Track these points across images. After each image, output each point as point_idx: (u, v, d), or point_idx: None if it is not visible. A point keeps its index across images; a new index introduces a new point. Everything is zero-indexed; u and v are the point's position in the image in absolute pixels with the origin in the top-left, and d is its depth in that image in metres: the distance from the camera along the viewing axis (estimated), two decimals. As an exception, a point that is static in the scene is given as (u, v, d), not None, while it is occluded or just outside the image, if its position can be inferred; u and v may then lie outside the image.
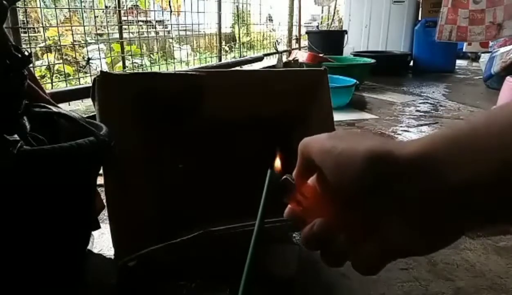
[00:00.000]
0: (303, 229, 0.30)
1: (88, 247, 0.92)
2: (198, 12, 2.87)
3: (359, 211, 0.27)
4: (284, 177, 0.30)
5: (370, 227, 0.27)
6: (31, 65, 0.84)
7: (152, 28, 3.31)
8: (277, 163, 0.32)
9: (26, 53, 0.73)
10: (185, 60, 3.07)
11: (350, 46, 4.76)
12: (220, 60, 3.27)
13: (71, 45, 2.43)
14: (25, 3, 2.65)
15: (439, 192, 0.24)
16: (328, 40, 4.54)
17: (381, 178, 0.25)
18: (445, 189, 0.23)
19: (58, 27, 2.42)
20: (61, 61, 2.30)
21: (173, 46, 3.27)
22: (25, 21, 2.23)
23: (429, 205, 0.24)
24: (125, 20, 2.62)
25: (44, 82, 2.18)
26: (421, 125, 2.32)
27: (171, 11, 3.16)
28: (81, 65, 2.76)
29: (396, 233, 0.26)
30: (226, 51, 3.92)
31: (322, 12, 6.00)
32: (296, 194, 0.30)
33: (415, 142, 0.25)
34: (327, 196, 0.29)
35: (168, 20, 3.44)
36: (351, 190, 0.26)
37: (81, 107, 2.03)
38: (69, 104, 1.88)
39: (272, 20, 5.18)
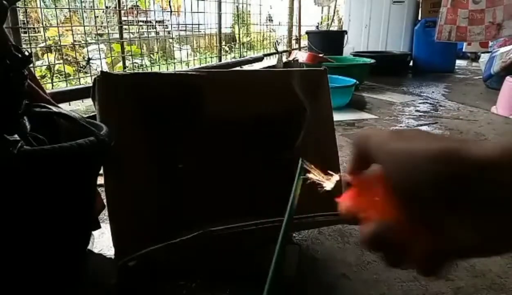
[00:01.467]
0: (360, 227, 0.29)
1: (88, 247, 0.92)
2: (198, 12, 2.87)
3: (425, 211, 0.26)
4: (340, 176, 0.30)
5: (436, 227, 0.26)
6: (31, 65, 0.84)
7: (152, 28, 3.31)
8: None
9: (26, 53, 0.73)
10: (185, 60, 3.07)
11: (350, 46, 4.77)
12: (220, 60, 3.27)
13: (71, 45, 2.42)
14: (25, 3, 2.65)
15: None
16: (328, 40, 4.55)
17: (454, 182, 0.24)
18: None
19: (58, 27, 2.42)
20: (61, 61, 2.30)
21: (173, 46, 3.27)
22: (25, 21, 2.23)
23: (503, 209, 0.23)
24: (125, 20, 2.62)
25: (45, 82, 2.18)
26: (421, 125, 2.33)
27: (171, 11, 3.16)
28: (81, 65, 2.76)
29: (463, 232, 0.24)
30: (226, 51, 3.92)
31: (322, 12, 6.00)
32: (349, 190, 0.29)
33: (489, 146, 0.24)
34: (389, 195, 0.27)
35: (168, 20, 3.45)
36: (419, 192, 0.25)
37: (81, 107, 2.03)
38: (69, 104, 1.88)
39: (272, 20, 5.18)
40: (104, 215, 1.05)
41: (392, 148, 0.26)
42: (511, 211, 0.23)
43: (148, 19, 3.50)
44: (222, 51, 3.34)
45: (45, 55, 2.73)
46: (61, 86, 2.21)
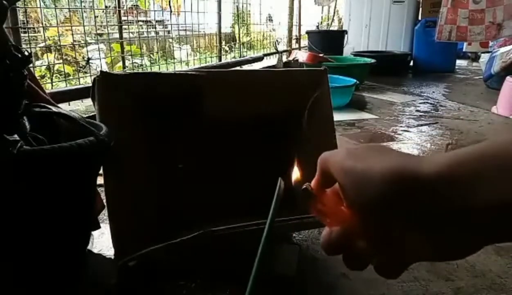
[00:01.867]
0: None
1: (88, 247, 0.92)
2: (198, 12, 2.87)
3: (378, 225, 0.28)
4: (304, 186, 0.31)
5: (388, 238, 0.27)
6: (31, 65, 0.84)
7: (152, 28, 3.31)
8: (296, 173, 0.33)
9: (26, 53, 0.73)
10: (185, 60, 3.07)
11: (350, 46, 4.76)
12: (220, 60, 3.27)
13: (71, 45, 2.42)
14: (25, 3, 2.65)
15: (463, 210, 0.24)
16: (328, 40, 4.54)
17: (403, 198, 0.25)
18: (470, 207, 0.23)
19: (58, 27, 2.42)
20: (61, 61, 2.30)
21: (173, 46, 3.26)
22: (25, 21, 2.23)
23: (452, 222, 0.24)
24: (125, 20, 2.62)
25: (44, 82, 2.18)
26: (421, 125, 2.32)
27: (171, 11, 3.16)
28: (81, 65, 2.76)
29: (415, 244, 0.26)
30: (226, 51, 3.92)
31: (322, 12, 6.00)
32: (316, 202, 0.31)
33: (436, 160, 0.26)
34: (346, 208, 0.30)
35: (168, 20, 3.44)
36: (371, 208, 0.27)
37: (81, 107, 2.03)
38: (69, 104, 1.88)
39: (272, 20, 5.18)
40: (104, 215, 1.05)
41: (348, 167, 0.28)
42: (452, 222, 0.24)
43: (148, 19, 3.50)
44: (222, 51, 3.34)
45: (45, 55, 2.73)
46: (61, 86, 2.21)
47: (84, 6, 3.00)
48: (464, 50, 5.45)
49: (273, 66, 3.87)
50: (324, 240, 0.31)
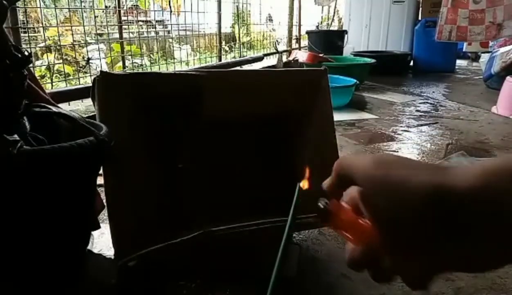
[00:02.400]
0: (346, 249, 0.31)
1: (88, 247, 0.92)
2: (198, 12, 2.87)
3: (410, 238, 0.27)
4: (322, 205, 0.31)
5: (421, 250, 0.27)
6: (31, 65, 0.84)
7: (152, 28, 3.31)
8: (306, 181, 0.33)
9: (26, 53, 0.73)
10: (185, 60, 3.07)
11: (350, 46, 4.76)
12: (220, 60, 3.27)
13: (71, 45, 2.43)
14: (25, 3, 2.65)
15: (499, 225, 0.24)
16: (328, 40, 4.54)
17: (444, 213, 0.25)
18: (506, 221, 0.24)
19: (58, 27, 2.42)
20: (61, 61, 2.30)
21: (173, 46, 3.27)
22: (25, 21, 2.23)
23: (486, 237, 0.25)
24: (125, 20, 2.62)
25: (44, 82, 2.18)
26: (421, 125, 2.32)
27: (171, 11, 3.16)
28: (81, 65, 2.76)
29: (447, 256, 0.26)
30: (226, 51, 3.92)
31: (322, 12, 6.00)
32: (335, 218, 0.31)
33: (473, 173, 0.26)
34: (367, 222, 0.29)
35: (168, 20, 3.45)
36: (405, 221, 0.26)
37: (81, 107, 2.03)
38: (69, 104, 1.88)
39: (272, 20, 5.18)
40: (104, 215, 1.05)
41: (379, 175, 0.28)
42: (486, 236, 0.25)
43: (148, 19, 3.50)
44: (222, 51, 3.34)
45: (45, 55, 2.73)
46: (61, 86, 2.21)
47: (84, 6, 3.00)
48: (464, 50, 5.45)
49: (273, 66, 3.87)
50: (349, 258, 0.31)
